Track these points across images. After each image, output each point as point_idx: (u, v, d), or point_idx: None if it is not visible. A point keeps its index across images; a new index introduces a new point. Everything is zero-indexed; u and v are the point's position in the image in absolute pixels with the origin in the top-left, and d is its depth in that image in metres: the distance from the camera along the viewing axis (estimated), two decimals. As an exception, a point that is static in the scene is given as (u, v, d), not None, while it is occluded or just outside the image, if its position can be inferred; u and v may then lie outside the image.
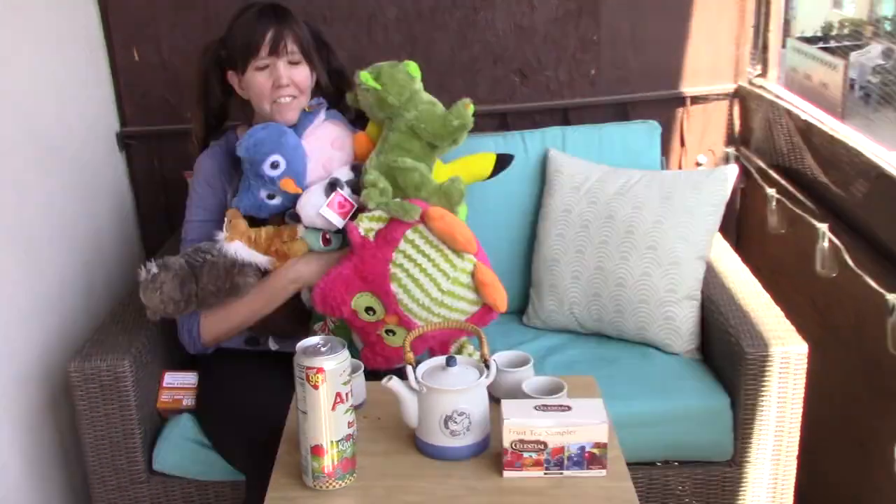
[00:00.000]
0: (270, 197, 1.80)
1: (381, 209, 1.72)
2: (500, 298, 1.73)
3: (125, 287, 2.25)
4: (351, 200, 1.76)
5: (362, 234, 1.70)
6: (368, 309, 1.72)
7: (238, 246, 1.76)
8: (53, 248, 2.03)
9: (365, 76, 1.80)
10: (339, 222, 1.76)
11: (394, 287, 1.70)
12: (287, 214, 1.82)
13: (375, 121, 1.87)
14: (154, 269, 1.72)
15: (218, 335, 1.85)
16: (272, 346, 1.92)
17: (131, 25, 2.43)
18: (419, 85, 1.84)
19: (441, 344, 1.81)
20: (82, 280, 2.15)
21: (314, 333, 1.84)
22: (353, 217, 1.76)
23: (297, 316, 1.85)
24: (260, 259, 1.78)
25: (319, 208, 1.75)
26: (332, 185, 1.77)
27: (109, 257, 2.33)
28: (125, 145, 2.51)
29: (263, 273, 1.80)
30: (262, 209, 1.82)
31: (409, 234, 1.70)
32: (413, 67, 1.84)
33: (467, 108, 1.77)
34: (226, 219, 1.81)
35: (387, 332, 1.74)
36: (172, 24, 2.43)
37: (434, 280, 1.69)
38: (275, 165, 1.76)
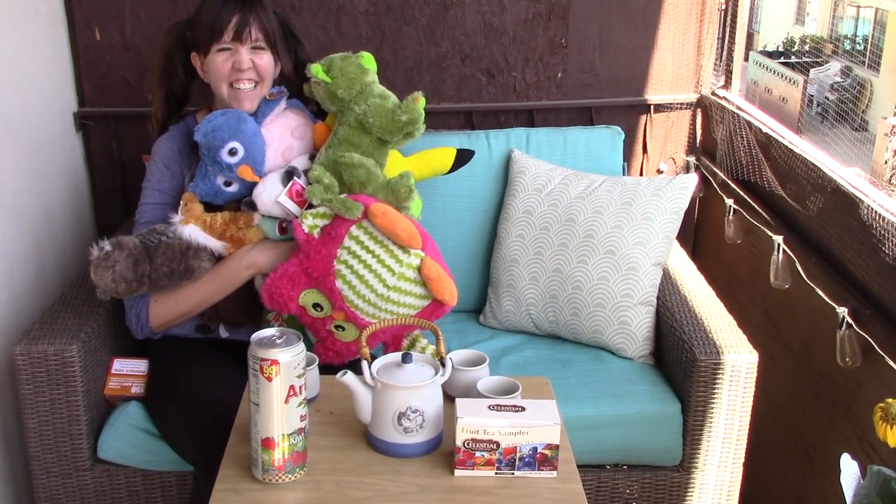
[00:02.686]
0: (227, 184, 1.79)
1: (325, 205, 1.71)
2: (449, 292, 1.71)
3: (77, 270, 2.21)
4: None
5: (306, 230, 1.69)
6: (316, 305, 1.71)
7: (193, 229, 1.74)
8: (2, 228, 1.98)
9: (315, 69, 1.78)
10: (296, 211, 1.75)
11: (339, 284, 1.68)
12: (243, 202, 1.80)
13: (329, 112, 1.86)
14: (107, 247, 1.69)
15: (167, 321, 1.82)
16: (223, 333, 1.89)
17: (94, 3, 2.38)
18: (372, 77, 1.81)
19: (394, 338, 1.80)
20: (32, 261, 2.10)
21: (267, 322, 1.82)
22: (310, 207, 1.75)
23: (248, 304, 1.83)
24: (214, 244, 1.76)
25: (276, 196, 1.74)
26: (290, 174, 1.75)
27: (62, 239, 2.28)
28: (82, 126, 2.46)
29: (218, 258, 1.78)
30: (219, 196, 1.80)
31: (354, 230, 1.69)
32: (367, 59, 1.82)
33: (416, 102, 1.74)
34: (181, 202, 1.78)
35: (336, 327, 1.73)
36: (137, 3, 2.39)
37: (379, 276, 1.68)
38: (233, 152, 1.74)
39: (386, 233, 1.67)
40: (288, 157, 1.83)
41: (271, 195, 1.74)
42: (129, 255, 1.69)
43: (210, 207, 1.80)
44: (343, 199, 1.70)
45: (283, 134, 1.84)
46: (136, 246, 1.71)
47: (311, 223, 1.69)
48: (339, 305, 1.69)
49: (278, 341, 1.33)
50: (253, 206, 1.78)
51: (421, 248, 1.70)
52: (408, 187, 1.72)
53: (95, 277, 1.69)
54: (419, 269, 1.69)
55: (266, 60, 1.84)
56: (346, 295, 1.68)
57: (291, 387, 1.33)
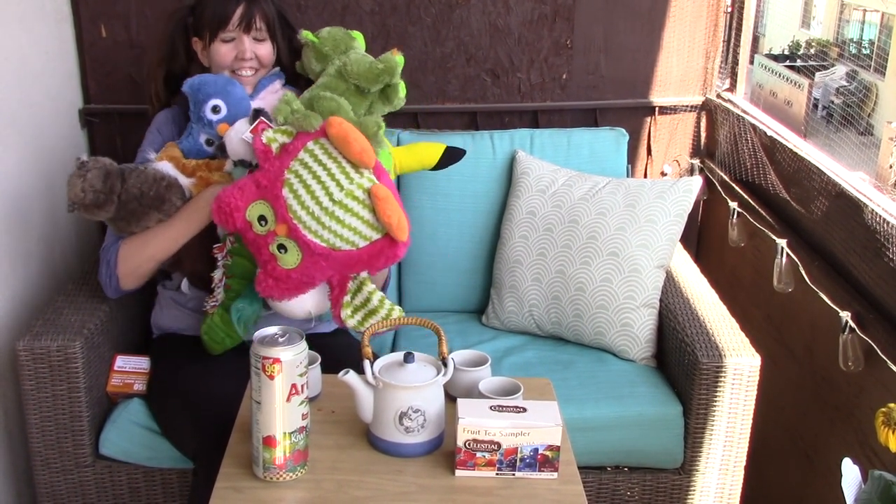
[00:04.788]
0: (209, 143, 1.85)
1: (288, 123, 1.71)
2: (397, 218, 1.63)
3: (81, 267, 2.21)
4: None
5: (264, 141, 1.69)
6: (261, 218, 1.68)
7: (166, 165, 1.80)
8: (7, 224, 1.98)
9: (306, 32, 1.86)
10: None
11: (285, 192, 1.66)
12: (216, 146, 1.85)
13: (315, 78, 1.88)
14: (84, 158, 1.73)
15: (135, 265, 1.81)
16: (185, 289, 1.89)
17: (100, 1, 2.38)
18: (357, 45, 1.86)
19: (341, 279, 1.73)
20: (36, 258, 2.11)
21: (214, 256, 1.81)
22: None
23: (209, 257, 1.82)
24: (183, 180, 1.81)
25: (243, 135, 1.75)
26: (257, 114, 1.77)
27: (66, 235, 2.28)
28: (87, 122, 2.46)
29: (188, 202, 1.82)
30: (200, 154, 1.85)
31: (310, 144, 1.68)
32: (357, 34, 1.88)
33: (395, 54, 1.79)
34: (163, 147, 1.86)
35: (279, 247, 1.68)
36: (142, 1, 2.39)
37: (326, 188, 1.64)
38: (216, 110, 1.81)
39: (339, 143, 1.65)
40: None
41: (238, 133, 1.77)
42: (103, 167, 1.73)
43: None
44: (305, 111, 1.71)
45: (272, 106, 1.87)
46: (112, 164, 1.76)
47: (270, 136, 1.69)
48: (282, 215, 1.66)
49: (281, 340, 1.33)
50: (225, 151, 1.81)
51: (376, 178, 1.67)
52: (377, 123, 1.71)
53: (67, 188, 1.72)
54: (369, 192, 1.65)
55: (267, 50, 1.91)
56: (290, 204, 1.65)
57: (293, 385, 1.33)
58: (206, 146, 1.85)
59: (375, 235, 1.65)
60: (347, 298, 1.73)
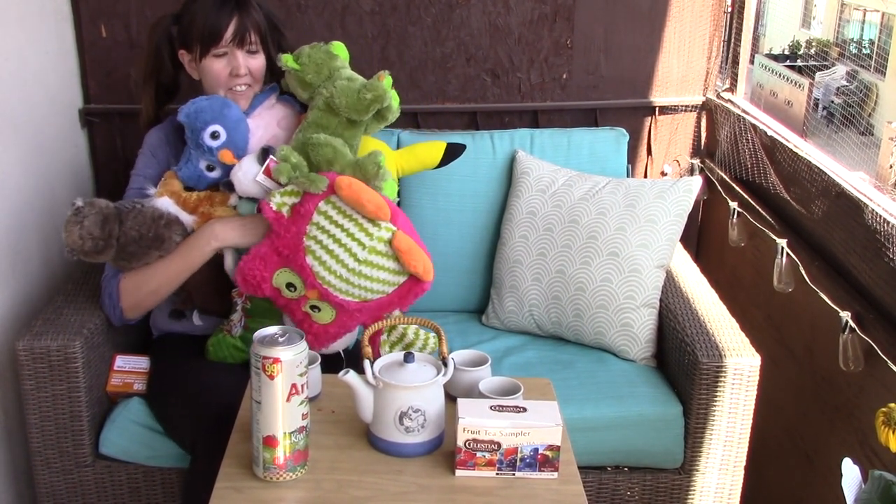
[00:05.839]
0: (210, 168, 1.81)
1: (293, 184, 1.70)
2: (422, 265, 1.67)
3: (81, 267, 2.21)
4: None
5: (274, 209, 1.68)
6: (289, 285, 1.69)
7: (167, 202, 1.77)
8: (7, 224, 1.98)
9: (286, 58, 1.80)
10: (275, 188, 1.75)
11: (309, 260, 1.67)
12: (221, 184, 1.82)
13: (304, 102, 1.87)
14: (79, 203, 1.70)
15: (137, 300, 1.81)
16: (196, 321, 1.89)
17: (100, 0, 2.38)
18: (341, 63, 1.82)
19: (373, 319, 1.75)
20: (36, 257, 2.11)
21: (231, 300, 1.81)
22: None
23: (223, 290, 1.82)
24: (185, 217, 1.78)
25: (254, 176, 1.74)
26: (266, 152, 1.76)
27: (65, 235, 2.28)
28: (87, 122, 2.46)
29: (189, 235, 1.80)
30: (202, 180, 1.82)
31: (322, 205, 1.67)
32: (337, 47, 1.84)
33: (381, 79, 1.74)
34: (162, 178, 1.82)
35: (312, 307, 1.71)
36: (142, 1, 2.39)
37: (349, 250, 1.65)
38: (215, 136, 1.77)
39: (352, 204, 1.65)
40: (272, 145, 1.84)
41: (248, 174, 1.75)
42: (100, 212, 1.70)
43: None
44: (308, 174, 1.69)
45: (270, 124, 1.87)
46: (109, 206, 1.73)
47: (279, 201, 1.69)
48: (311, 283, 1.67)
49: (280, 339, 1.33)
50: (231, 187, 1.79)
51: (392, 223, 1.67)
52: (376, 164, 1.69)
53: (64, 234, 1.69)
54: (390, 243, 1.66)
55: (259, 63, 1.87)
56: (317, 271, 1.67)
57: (293, 385, 1.33)
58: (206, 172, 1.82)
59: (402, 279, 1.70)
60: (384, 337, 1.80)
